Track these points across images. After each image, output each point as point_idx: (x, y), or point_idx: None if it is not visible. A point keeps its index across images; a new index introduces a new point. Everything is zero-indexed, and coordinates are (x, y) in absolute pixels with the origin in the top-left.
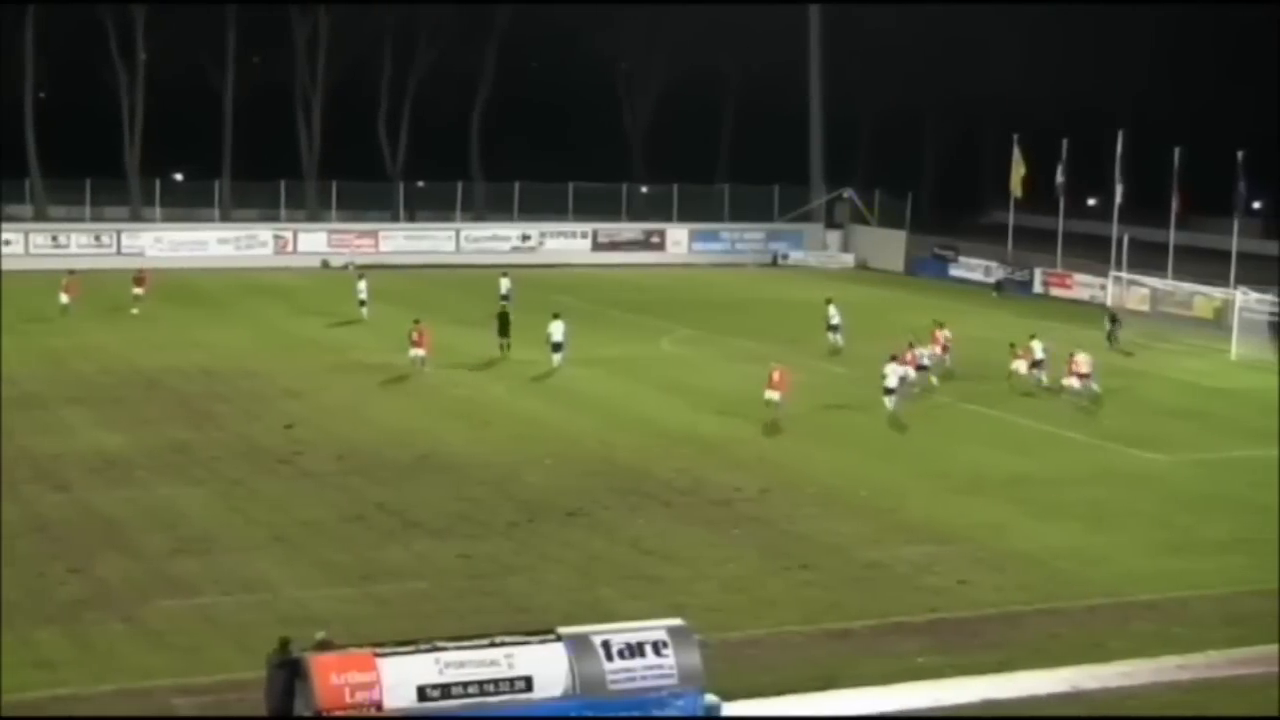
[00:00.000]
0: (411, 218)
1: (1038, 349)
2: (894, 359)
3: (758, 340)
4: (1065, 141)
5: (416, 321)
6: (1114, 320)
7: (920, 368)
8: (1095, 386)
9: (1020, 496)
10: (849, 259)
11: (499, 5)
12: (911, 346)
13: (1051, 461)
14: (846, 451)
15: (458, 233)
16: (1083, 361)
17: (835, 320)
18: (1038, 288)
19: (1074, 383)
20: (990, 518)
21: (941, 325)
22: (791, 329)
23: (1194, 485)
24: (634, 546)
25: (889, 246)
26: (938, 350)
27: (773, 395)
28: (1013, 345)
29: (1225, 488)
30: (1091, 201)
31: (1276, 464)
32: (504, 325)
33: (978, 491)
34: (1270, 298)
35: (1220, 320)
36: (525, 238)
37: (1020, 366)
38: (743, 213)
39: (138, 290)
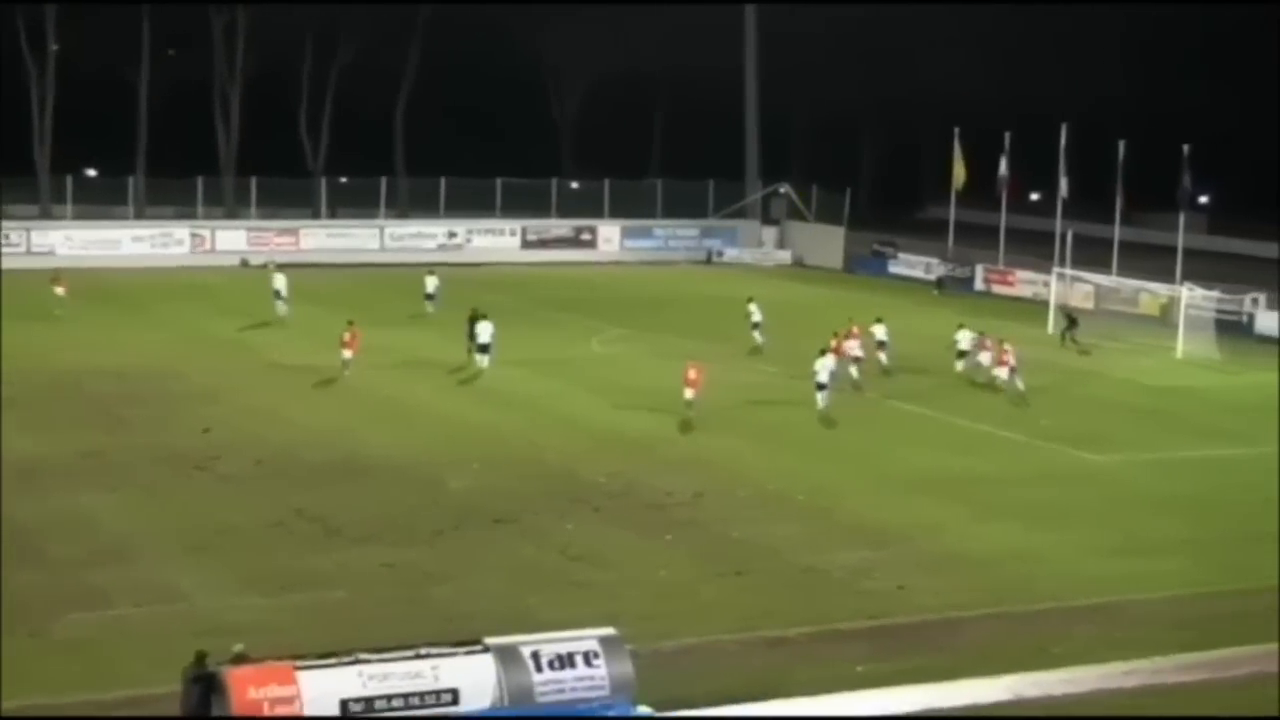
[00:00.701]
0: (333, 215)
1: (965, 339)
2: (825, 353)
3: (691, 339)
4: (1008, 135)
5: (350, 323)
6: (1072, 321)
7: (855, 359)
8: (1019, 383)
9: (960, 497)
10: (785, 256)
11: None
12: (843, 335)
13: (992, 462)
14: (781, 452)
15: (382, 230)
16: (1011, 353)
17: (756, 318)
18: (979, 285)
19: (1003, 372)
20: (929, 519)
21: (879, 320)
22: (726, 327)
23: (1139, 486)
24: (564, 553)
25: (826, 243)
26: (855, 345)
27: (689, 393)
28: (981, 333)
29: (1171, 488)
30: (1035, 196)
31: (1224, 463)
32: (474, 329)
33: (916, 492)
34: (1216, 294)
35: (1166, 317)
36: (452, 235)
37: (985, 358)
38: (676, 209)
39: (59, 290)
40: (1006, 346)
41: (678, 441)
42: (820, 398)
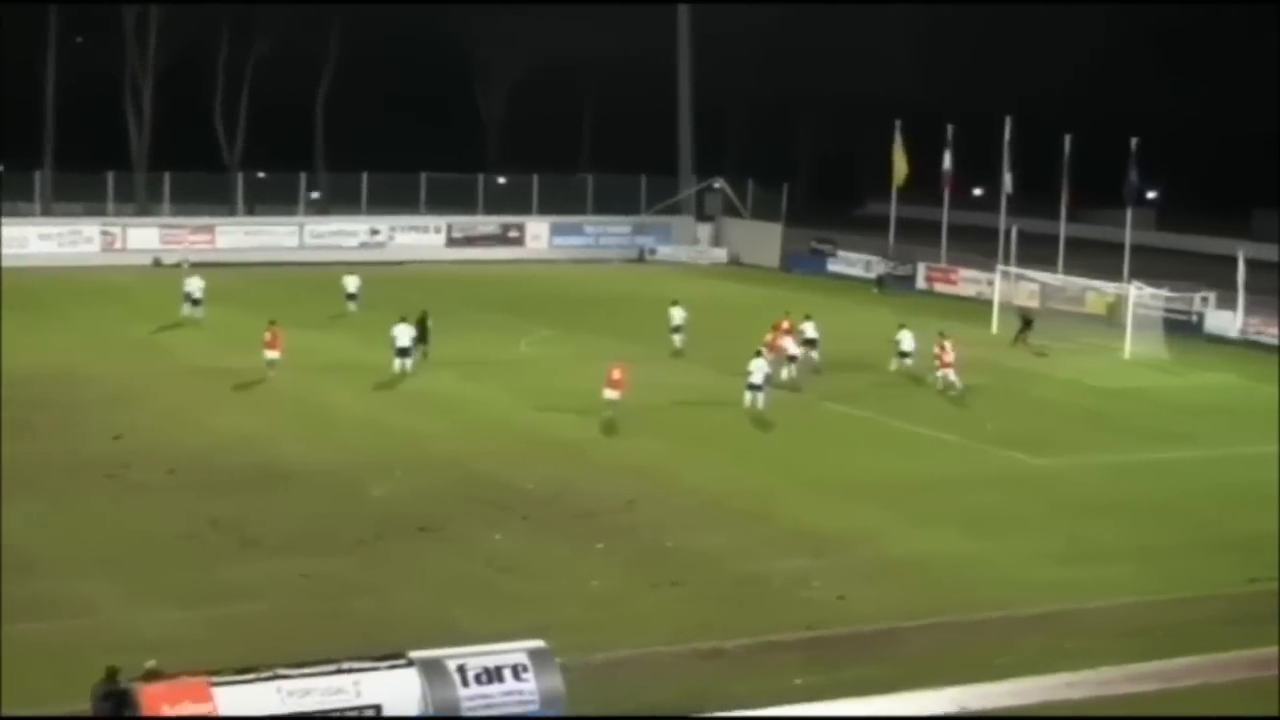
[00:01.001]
0: (250, 211)
1: (907, 339)
2: (760, 354)
3: (623, 340)
4: (950, 128)
5: (272, 322)
6: (1027, 323)
7: (790, 357)
8: (955, 378)
9: (901, 503)
10: (721, 254)
11: None
12: (779, 331)
13: (933, 466)
14: (716, 457)
15: (301, 227)
16: (949, 350)
17: (677, 322)
18: (921, 283)
19: (949, 374)
20: (870, 525)
21: (808, 317)
22: (658, 328)
23: (1085, 490)
24: (491, 563)
25: (763, 240)
26: (791, 343)
27: (611, 394)
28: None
29: (1118, 493)
30: (978, 192)
31: (1173, 467)
32: (422, 332)
33: (856, 498)
34: (1165, 293)
35: (1113, 317)
36: (374, 233)
37: (948, 373)
38: (607, 205)
39: None
40: (945, 343)
41: (609, 446)
42: (750, 398)
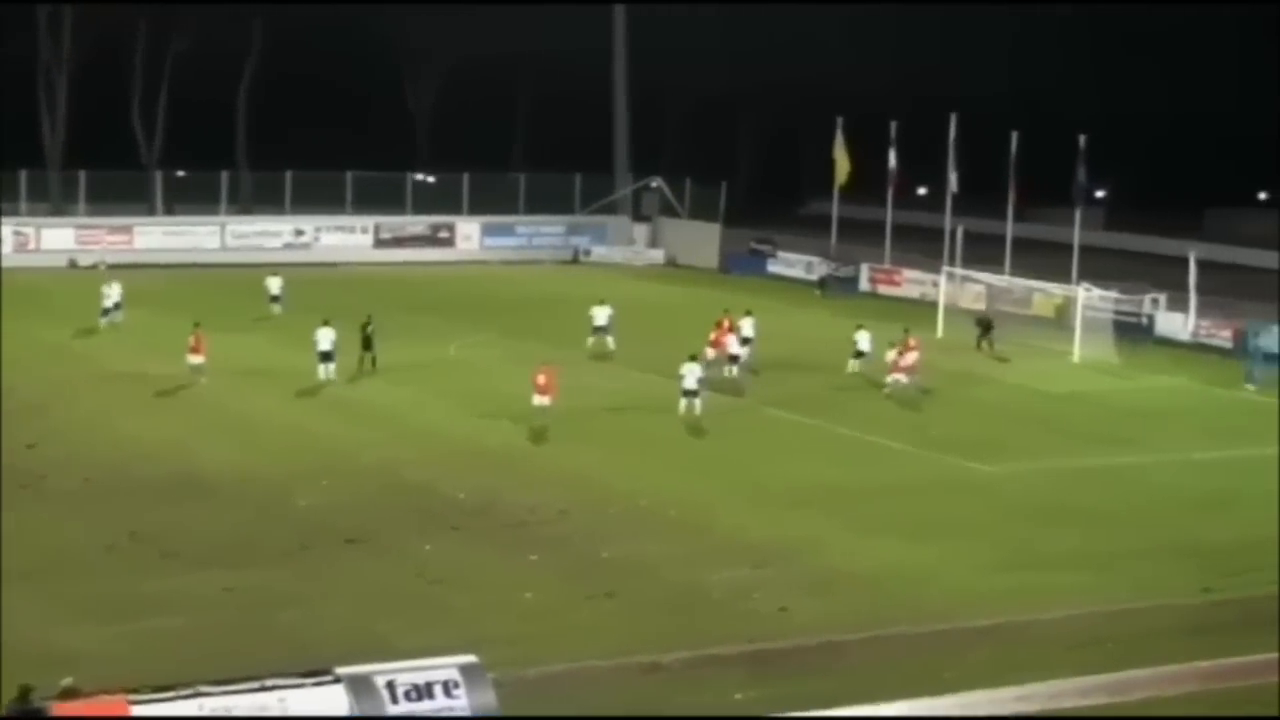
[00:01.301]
0: (170, 211)
1: (864, 340)
2: (695, 358)
3: (555, 345)
4: (894, 124)
5: (197, 326)
6: (987, 327)
7: (733, 357)
8: (902, 379)
9: (844, 511)
10: (658, 255)
11: None
12: (723, 330)
13: (877, 473)
14: (652, 464)
15: (222, 227)
16: (908, 353)
17: (600, 322)
18: (864, 285)
19: (902, 377)
20: (812, 535)
21: (748, 314)
22: (595, 332)
23: (1033, 497)
24: (421, 574)
25: (702, 241)
26: (734, 341)
27: (541, 400)
28: (892, 343)
29: (1066, 499)
30: (922, 191)
31: (1122, 472)
32: (367, 340)
33: (797, 506)
34: (1114, 295)
35: (1061, 319)
36: (299, 233)
37: (897, 375)
38: (540, 204)
39: None
40: (910, 341)
41: (542, 454)
42: (684, 404)
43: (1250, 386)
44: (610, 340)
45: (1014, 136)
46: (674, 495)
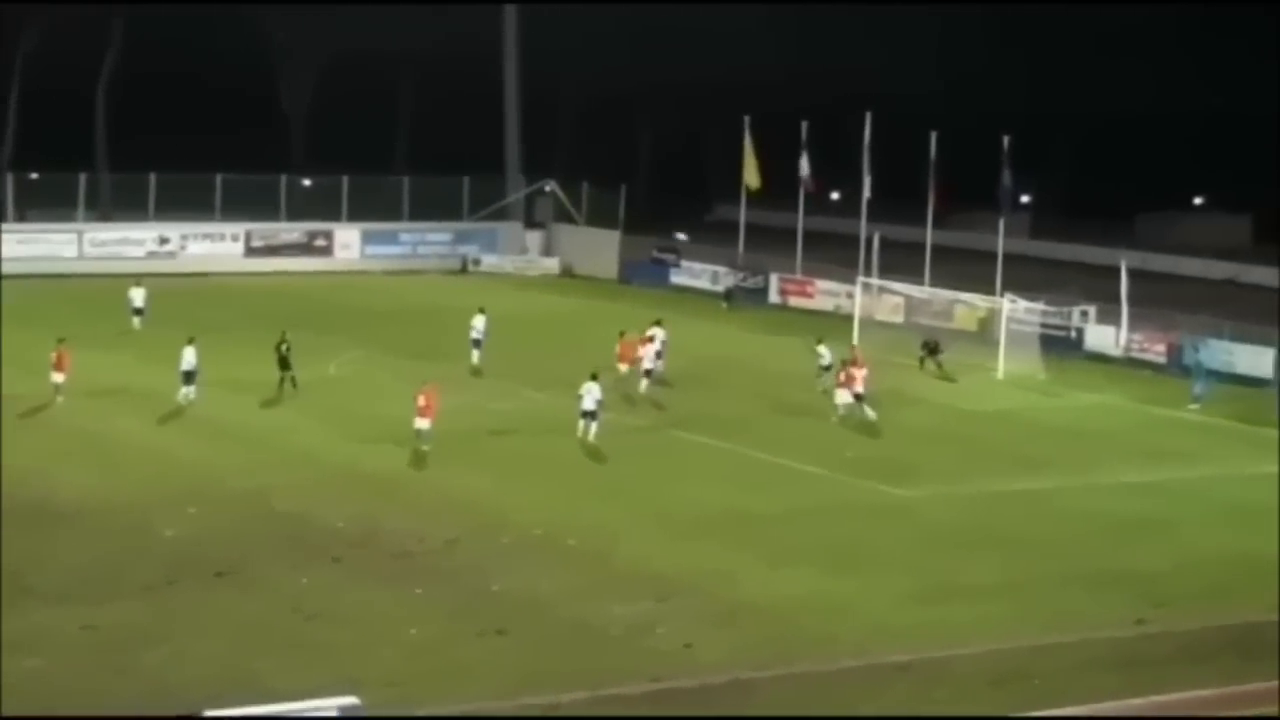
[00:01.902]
0: (22, 218)
1: (825, 353)
2: (595, 377)
3: (443, 362)
4: (805, 124)
5: (60, 341)
6: (932, 349)
7: (647, 371)
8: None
9: (753, 540)
10: (552, 264)
11: None
12: (640, 340)
13: (788, 499)
14: (548, 490)
15: (80, 235)
16: (858, 375)
17: (476, 334)
18: (774, 296)
19: (846, 396)
20: (719, 565)
21: (658, 323)
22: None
23: (953, 523)
24: (297, 610)
25: (599, 249)
26: (649, 353)
27: (422, 423)
28: (844, 362)
29: (989, 525)
30: (836, 195)
31: (1046, 497)
32: (283, 360)
33: (703, 535)
34: (1041, 306)
35: (985, 332)
36: (163, 241)
37: (844, 395)
38: (425, 210)
39: None
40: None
41: (428, 479)
42: (583, 425)
43: (1194, 406)
44: (476, 355)
45: (933, 137)
46: (572, 523)
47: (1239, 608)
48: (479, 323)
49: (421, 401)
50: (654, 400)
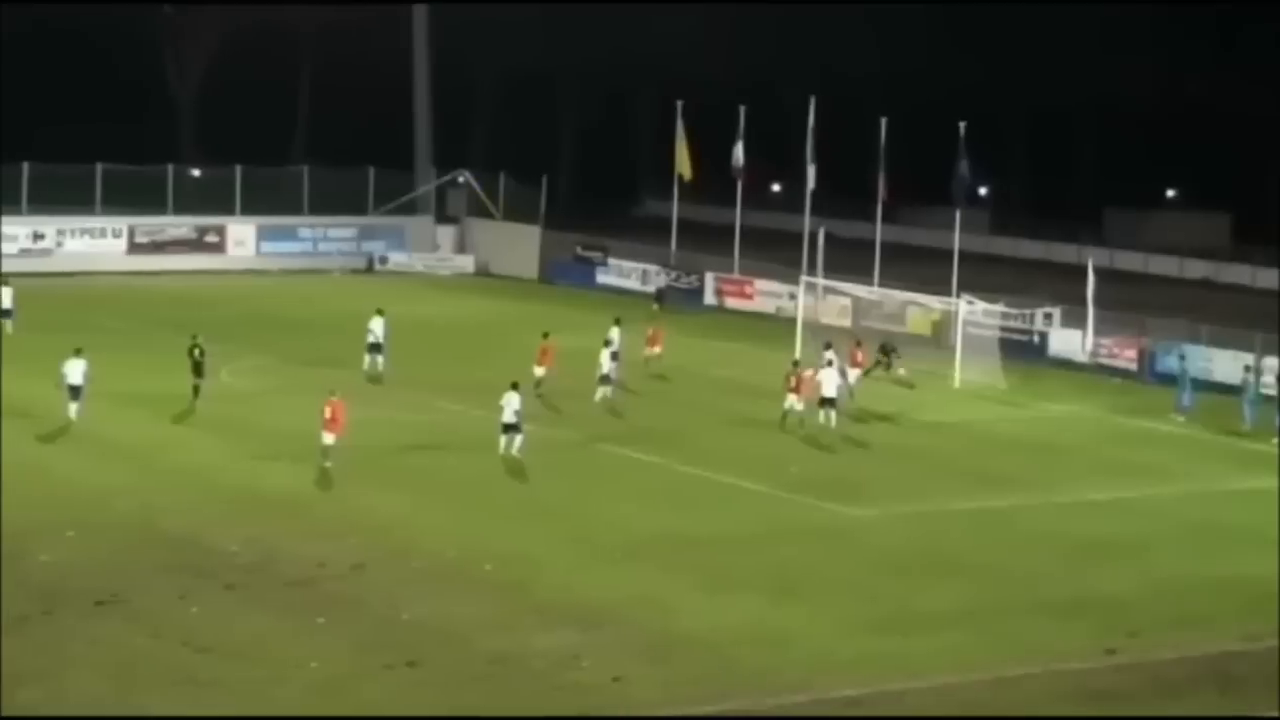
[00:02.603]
0: None
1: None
2: (515, 386)
3: (345, 369)
4: (742, 110)
5: None
6: (888, 352)
7: (603, 377)
8: (798, 405)
9: (688, 565)
10: (467, 262)
11: None
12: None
13: (727, 519)
14: (462, 512)
15: None
16: (827, 381)
17: (375, 338)
18: (710, 298)
19: (796, 401)
20: (651, 593)
21: (617, 322)
22: (391, 355)
23: (906, 545)
24: (187, 642)
25: (518, 246)
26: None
27: (328, 438)
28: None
29: (945, 547)
30: (777, 188)
31: (1004, 516)
32: (197, 366)
33: (634, 559)
34: (1001, 309)
35: (940, 337)
36: (37, 237)
37: (853, 376)
38: (327, 203)
39: None
40: (820, 374)
41: (331, 499)
42: (504, 440)
43: (1178, 417)
44: (380, 361)
45: (883, 124)
46: (489, 547)
47: (1217, 636)
48: (377, 326)
49: (328, 414)
50: (612, 409)
